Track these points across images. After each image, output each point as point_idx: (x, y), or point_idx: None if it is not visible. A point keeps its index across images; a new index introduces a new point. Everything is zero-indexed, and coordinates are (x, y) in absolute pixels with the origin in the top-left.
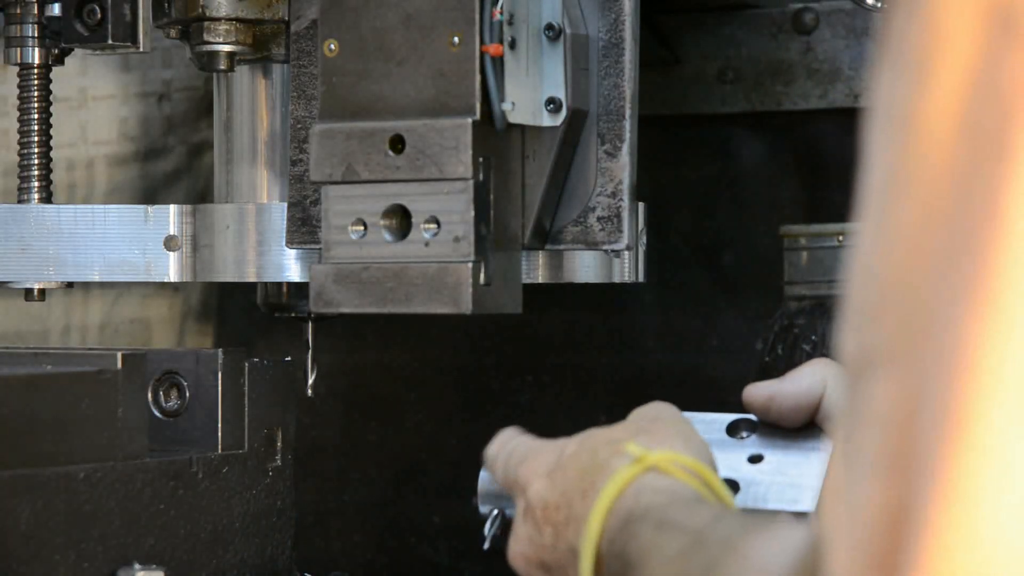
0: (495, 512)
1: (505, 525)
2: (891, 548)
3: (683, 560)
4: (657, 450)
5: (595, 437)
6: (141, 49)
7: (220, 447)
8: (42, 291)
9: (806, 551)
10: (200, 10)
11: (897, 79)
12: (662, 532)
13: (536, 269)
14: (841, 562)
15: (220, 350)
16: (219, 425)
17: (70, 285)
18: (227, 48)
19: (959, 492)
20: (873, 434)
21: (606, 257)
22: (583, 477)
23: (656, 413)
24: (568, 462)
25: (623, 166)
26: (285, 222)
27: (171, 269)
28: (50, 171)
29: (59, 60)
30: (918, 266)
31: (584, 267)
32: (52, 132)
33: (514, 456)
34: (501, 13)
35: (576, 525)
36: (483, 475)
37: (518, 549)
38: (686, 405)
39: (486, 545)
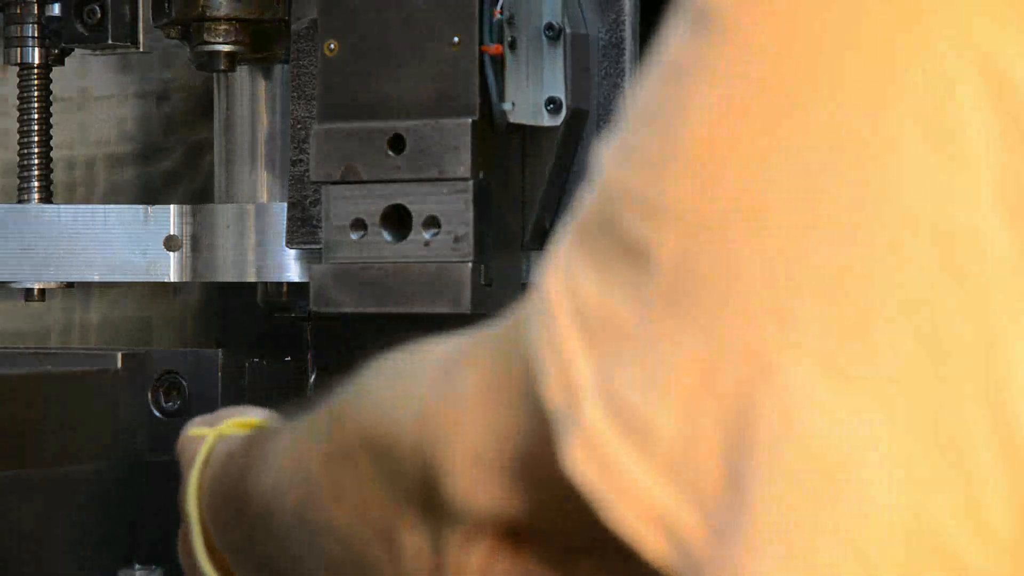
0: None
1: None
2: (689, 397)
3: (312, 422)
4: (221, 423)
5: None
6: (141, 49)
7: None
8: (42, 291)
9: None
10: (200, 10)
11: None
12: (256, 444)
13: (536, 269)
14: (574, 349)
15: (220, 350)
16: None
17: (70, 285)
18: (227, 48)
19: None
20: (646, 272)
21: None
22: (186, 472)
23: (202, 419)
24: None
25: None
26: (285, 222)
27: (171, 269)
28: (50, 171)
29: (59, 60)
30: (732, 144)
31: None
32: (52, 132)
33: None
34: (501, 13)
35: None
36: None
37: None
38: None
39: None
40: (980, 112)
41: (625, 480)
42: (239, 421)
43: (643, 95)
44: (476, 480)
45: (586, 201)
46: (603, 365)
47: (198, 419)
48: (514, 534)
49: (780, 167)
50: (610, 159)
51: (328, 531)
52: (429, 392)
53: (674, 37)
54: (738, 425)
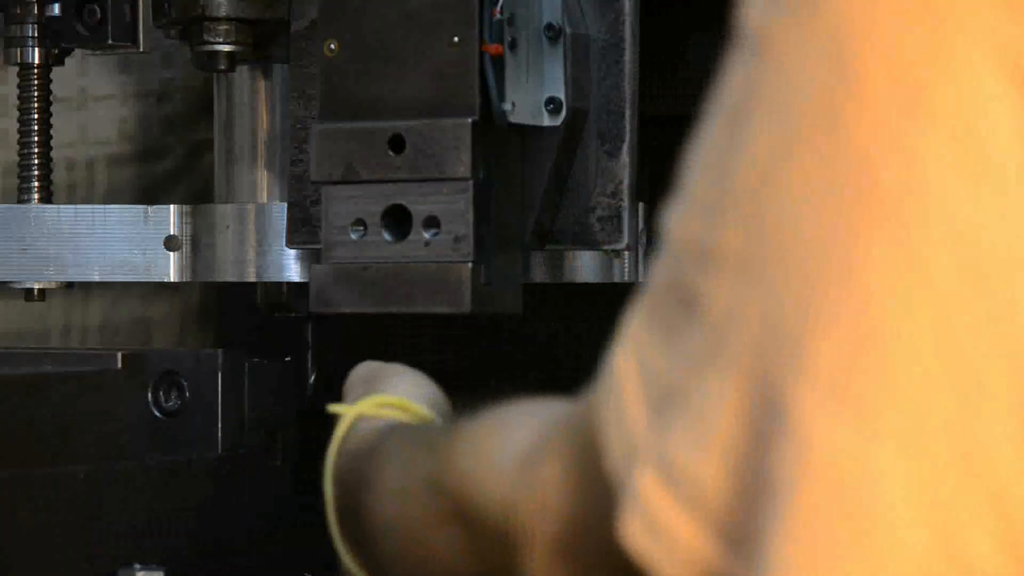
0: None
1: None
2: (732, 445)
3: (430, 438)
4: (360, 400)
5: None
6: (141, 49)
7: (220, 447)
8: (42, 291)
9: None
10: (200, 10)
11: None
12: (377, 458)
13: (536, 269)
14: (636, 418)
15: (220, 350)
16: (219, 425)
17: (70, 285)
18: (227, 48)
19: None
20: (702, 325)
21: (606, 257)
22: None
23: (367, 372)
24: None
25: (623, 166)
26: (285, 222)
27: (171, 269)
28: (50, 171)
29: (59, 60)
30: (778, 184)
31: (584, 267)
32: (52, 132)
33: None
34: (501, 13)
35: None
36: None
37: None
38: None
39: None
40: (1014, 133)
41: (676, 543)
42: (382, 400)
43: (702, 141)
44: (553, 567)
45: (655, 264)
46: (657, 426)
47: (359, 373)
48: None
49: (811, 201)
50: (674, 216)
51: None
52: (514, 481)
53: (730, 74)
54: (761, 469)
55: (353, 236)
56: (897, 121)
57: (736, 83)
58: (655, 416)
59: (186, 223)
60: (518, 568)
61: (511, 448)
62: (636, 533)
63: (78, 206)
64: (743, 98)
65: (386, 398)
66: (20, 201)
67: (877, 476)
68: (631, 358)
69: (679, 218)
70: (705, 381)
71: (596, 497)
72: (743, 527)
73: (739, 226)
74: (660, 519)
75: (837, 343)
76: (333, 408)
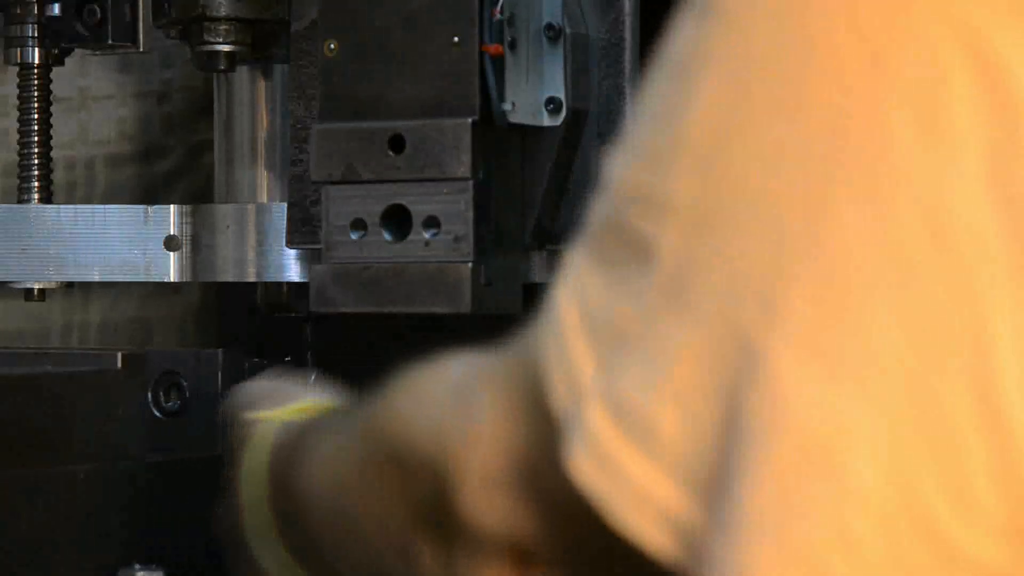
0: None
1: None
2: (687, 387)
3: (353, 423)
4: (284, 404)
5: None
6: (141, 49)
7: (220, 447)
8: (42, 291)
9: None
10: (200, 10)
11: None
12: (307, 437)
13: (536, 269)
14: (582, 358)
15: (220, 350)
16: (219, 425)
17: (70, 285)
18: (227, 48)
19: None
20: (649, 270)
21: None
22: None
23: (264, 389)
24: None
25: None
26: (285, 222)
27: (171, 269)
28: (50, 171)
29: (59, 60)
30: (732, 140)
31: None
32: (52, 132)
33: None
34: (501, 13)
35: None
36: None
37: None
38: None
39: None
40: (971, 97)
41: (628, 480)
42: (300, 407)
43: (649, 94)
44: (487, 499)
45: (595, 207)
46: (607, 366)
47: (261, 387)
48: (524, 559)
49: (776, 156)
50: (618, 162)
51: (355, 538)
52: (446, 411)
53: (679, 32)
54: (730, 416)
55: (353, 236)
56: (863, 81)
57: (685, 39)
58: (603, 355)
59: (186, 223)
60: (450, 504)
61: (445, 382)
62: (585, 467)
63: (78, 206)
64: (692, 53)
65: (305, 404)
66: (20, 201)
67: (846, 431)
68: (573, 297)
69: (624, 163)
70: (660, 326)
71: (535, 429)
72: (705, 471)
73: (693, 176)
74: (611, 454)
75: (810, 298)
76: (256, 414)
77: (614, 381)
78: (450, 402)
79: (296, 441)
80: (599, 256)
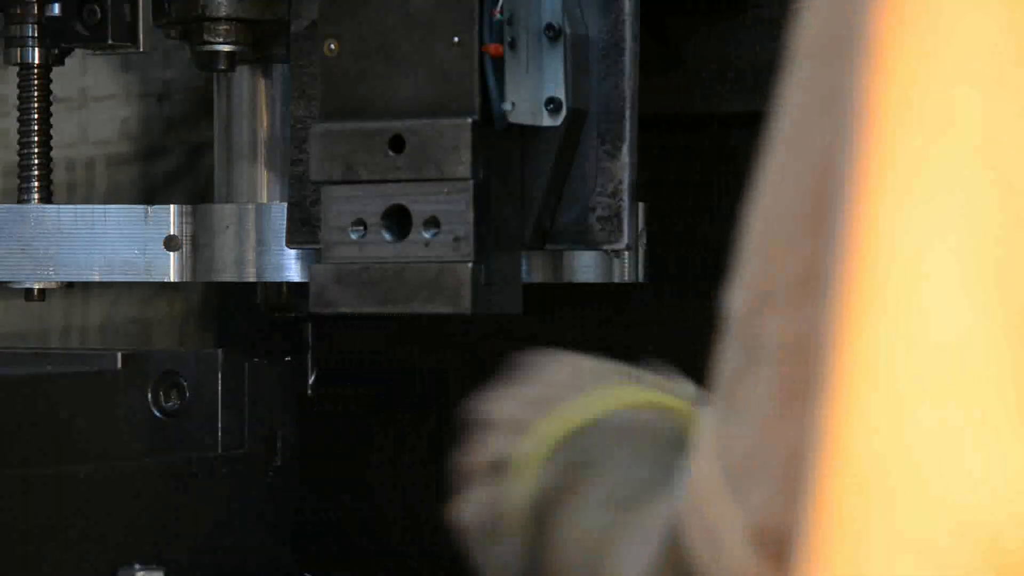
0: None
1: None
2: (798, 475)
3: (633, 489)
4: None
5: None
6: (141, 49)
7: (220, 447)
8: (42, 291)
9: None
10: (200, 10)
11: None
12: (638, 458)
13: (536, 269)
14: (724, 513)
15: (220, 350)
16: (219, 425)
17: (70, 285)
18: (227, 48)
19: (848, 427)
20: (771, 373)
21: (606, 257)
22: (546, 394)
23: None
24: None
25: (623, 166)
26: (285, 222)
27: (171, 269)
28: (50, 171)
29: (59, 60)
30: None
31: (584, 267)
32: (52, 132)
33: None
34: (501, 13)
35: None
36: None
37: (501, 404)
38: None
39: None
40: None
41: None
42: (553, 428)
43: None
44: None
45: (723, 356)
46: (741, 500)
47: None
48: None
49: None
50: (733, 291)
51: None
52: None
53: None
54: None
55: (353, 236)
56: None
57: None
58: (733, 497)
59: (186, 223)
60: None
61: (641, 563)
62: None
63: (78, 206)
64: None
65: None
66: (20, 201)
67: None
68: (710, 462)
69: (736, 287)
70: (777, 427)
71: None
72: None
73: (784, 262)
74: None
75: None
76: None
77: (747, 509)
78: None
79: (552, 505)
80: (729, 398)
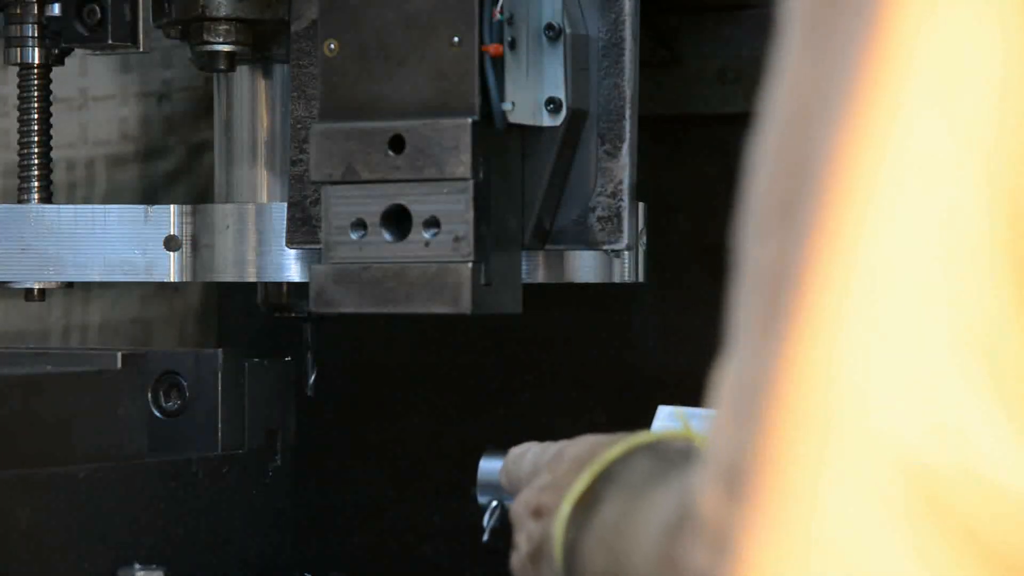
0: (494, 504)
1: (504, 518)
2: (751, 418)
3: (644, 479)
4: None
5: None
6: (141, 49)
7: (220, 447)
8: (42, 291)
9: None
10: (200, 10)
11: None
12: (650, 457)
13: (536, 269)
14: (718, 447)
15: (220, 350)
16: (219, 425)
17: (70, 285)
18: (227, 48)
19: (802, 365)
20: (754, 299)
21: (606, 257)
22: (613, 437)
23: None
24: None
25: (623, 166)
26: (285, 222)
27: (171, 269)
28: (50, 171)
29: (59, 60)
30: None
31: (584, 267)
32: (52, 132)
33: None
34: (501, 13)
35: (588, 465)
36: (483, 465)
37: (523, 496)
38: (686, 405)
39: (485, 537)
40: None
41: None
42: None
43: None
44: None
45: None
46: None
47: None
48: None
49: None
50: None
51: None
52: (657, 551)
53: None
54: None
55: (353, 236)
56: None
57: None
58: (730, 419)
59: (186, 223)
60: None
61: (659, 522)
62: (697, 555)
63: (78, 206)
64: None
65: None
66: (20, 201)
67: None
68: (725, 386)
69: (742, 223)
70: (749, 358)
71: None
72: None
73: (774, 189)
74: (717, 526)
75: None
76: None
77: (727, 445)
78: (662, 545)
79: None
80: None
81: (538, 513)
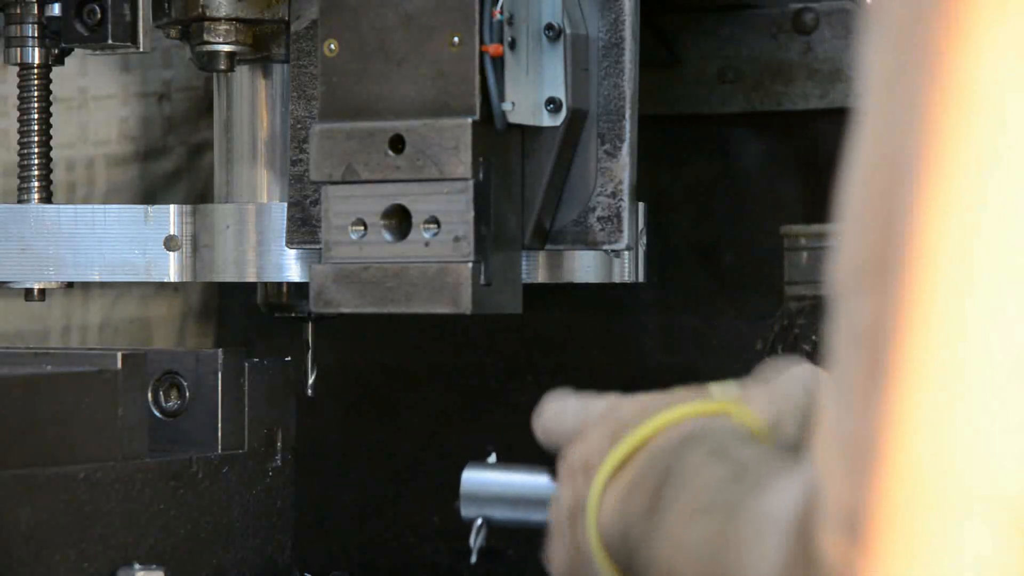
0: (479, 522)
1: (491, 535)
2: (868, 472)
3: (720, 489)
4: (736, 399)
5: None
6: (141, 49)
7: (220, 447)
8: (42, 291)
9: (807, 495)
10: (200, 10)
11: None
12: (712, 458)
13: (536, 269)
14: (833, 495)
15: (220, 350)
16: (219, 425)
17: (70, 285)
18: (227, 48)
19: (915, 416)
20: (855, 356)
21: (606, 257)
22: (665, 398)
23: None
24: (671, 393)
25: (623, 166)
26: (285, 222)
27: (171, 269)
28: (50, 171)
29: (59, 60)
30: (888, 189)
31: (584, 267)
32: (52, 132)
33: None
34: (501, 13)
35: (633, 428)
36: (466, 476)
37: (578, 448)
38: None
39: (473, 558)
40: None
41: None
42: (745, 410)
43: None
44: None
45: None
46: (844, 480)
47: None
48: None
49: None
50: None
51: None
52: None
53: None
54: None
55: (353, 236)
56: None
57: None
58: (844, 470)
59: (186, 223)
60: None
61: (764, 560)
62: None
63: (78, 206)
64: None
65: (753, 415)
66: (20, 201)
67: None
68: (830, 435)
69: (838, 265)
70: (858, 413)
71: None
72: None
73: (872, 236)
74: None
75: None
76: (712, 388)
77: (847, 491)
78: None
79: (703, 441)
80: (844, 371)
81: (586, 471)
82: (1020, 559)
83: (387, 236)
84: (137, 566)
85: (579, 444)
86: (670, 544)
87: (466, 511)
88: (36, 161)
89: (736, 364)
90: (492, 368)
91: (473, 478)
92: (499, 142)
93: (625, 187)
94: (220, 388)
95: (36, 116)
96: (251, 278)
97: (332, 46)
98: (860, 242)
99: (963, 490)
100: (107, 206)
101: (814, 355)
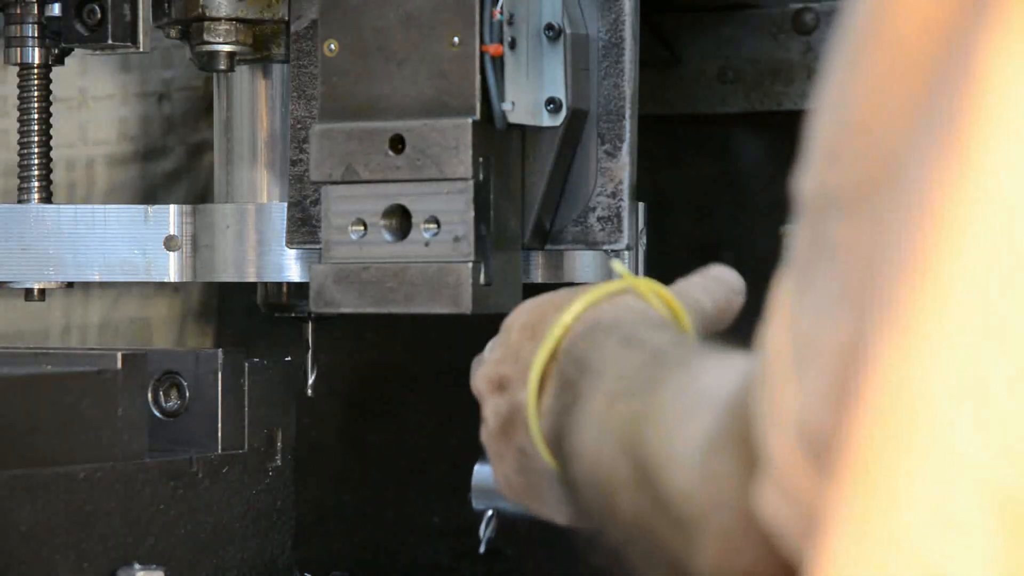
0: (490, 513)
1: (501, 526)
2: (844, 381)
3: (638, 373)
4: (641, 278)
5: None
6: (141, 49)
7: (220, 447)
8: (42, 291)
9: (750, 379)
10: (200, 10)
11: None
12: (625, 346)
13: (536, 269)
14: (787, 391)
15: (220, 350)
16: (219, 425)
17: (70, 285)
18: (227, 48)
19: (915, 334)
20: (833, 270)
21: (606, 257)
22: (564, 295)
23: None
24: (555, 292)
25: (623, 166)
26: (285, 222)
27: (171, 269)
28: (50, 171)
29: (59, 60)
30: (886, 111)
31: (584, 267)
32: (52, 132)
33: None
34: (501, 13)
35: (542, 332)
36: (477, 470)
37: (481, 371)
38: None
39: (482, 548)
40: None
41: (803, 503)
42: (651, 285)
43: (825, 83)
44: (726, 562)
45: (794, 233)
46: (798, 388)
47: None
48: None
49: (917, 140)
50: (802, 173)
51: (608, 511)
52: (696, 468)
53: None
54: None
55: (353, 236)
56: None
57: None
58: (797, 376)
59: (186, 223)
60: (692, 557)
61: (695, 434)
62: (769, 501)
63: (78, 206)
64: (853, 48)
65: (660, 289)
66: (20, 201)
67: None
68: (782, 331)
69: (806, 172)
70: (830, 324)
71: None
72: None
73: (852, 162)
74: (792, 483)
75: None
76: (614, 264)
77: (800, 399)
78: (698, 463)
79: (613, 329)
80: (802, 276)
81: (501, 386)
82: (1014, 506)
83: (387, 236)
84: (137, 566)
85: (483, 367)
86: (595, 430)
87: (477, 503)
88: (36, 161)
89: None
90: None
91: (484, 471)
92: (499, 142)
93: (625, 187)
94: (220, 388)
95: (36, 116)
96: (251, 278)
97: (332, 46)
98: (838, 159)
99: (943, 457)
100: (107, 206)
101: None
